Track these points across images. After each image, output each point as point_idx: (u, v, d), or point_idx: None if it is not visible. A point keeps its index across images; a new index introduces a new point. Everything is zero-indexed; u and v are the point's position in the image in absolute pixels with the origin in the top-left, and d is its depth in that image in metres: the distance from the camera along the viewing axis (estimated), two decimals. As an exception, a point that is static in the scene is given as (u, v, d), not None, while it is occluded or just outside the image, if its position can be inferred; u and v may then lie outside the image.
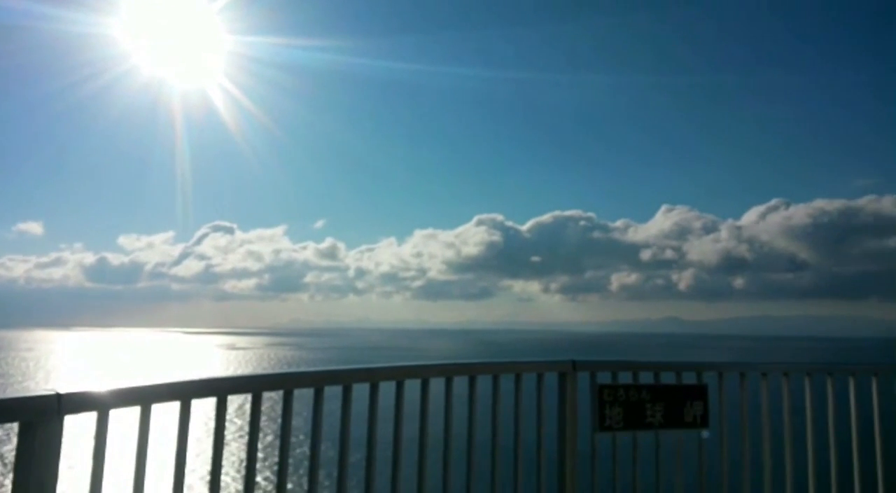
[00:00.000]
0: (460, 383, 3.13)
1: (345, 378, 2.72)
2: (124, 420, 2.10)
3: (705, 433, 3.45)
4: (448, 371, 3.08)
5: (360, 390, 2.81)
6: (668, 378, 3.56)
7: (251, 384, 2.44)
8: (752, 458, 3.59)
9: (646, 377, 3.51)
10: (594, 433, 3.31)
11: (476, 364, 3.19)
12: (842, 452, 3.67)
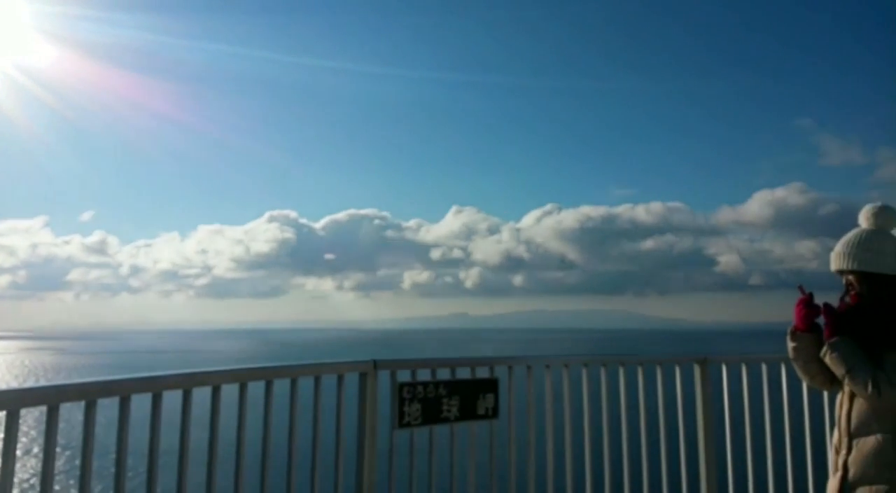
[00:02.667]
0: (256, 389, 2.96)
1: (122, 389, 2.43)
2: None
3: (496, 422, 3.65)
4: (242, 377, 2.88)
5: (142, 401, 2.53)
6: (463, 373, 3.68)
7: (7, 401, 2.05)
8: (537, 442, 3.85)
9: (443, 374, 3.60)
10: (393, 430, 3.32)
11: (273, 368, 3.03)
12: (614, 434, 4.08)
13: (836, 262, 2.83)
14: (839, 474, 2.72)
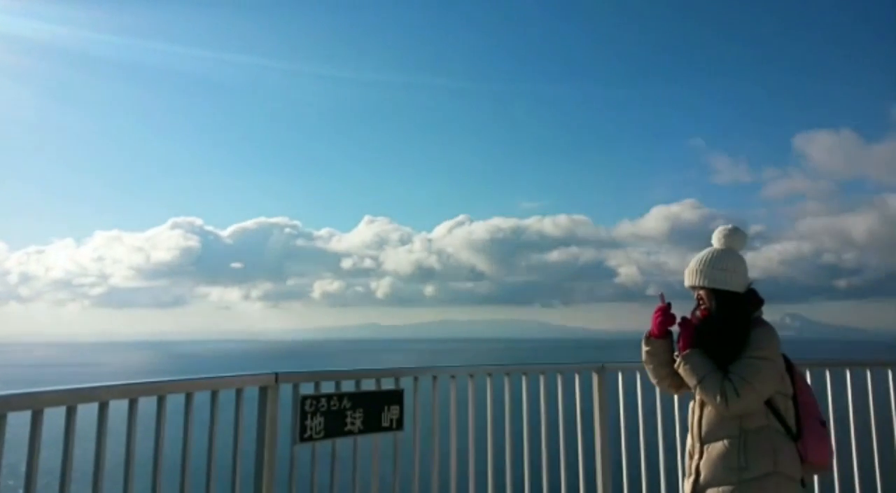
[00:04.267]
0: (148, 405, 2.83)
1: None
2: None
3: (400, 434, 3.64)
4: (132, 392, 2.74)
5: (21, 419, 2.37)
6: (368, 385, 3.66)
7: None
8: (441, 452, 3.87)
9: (348, 386, 3.56)
10: (294, 444, 3.25)
11: (166, 383, 2.90)
12: (516, 442, 4.16)
13: (689, 278, 3.07)
14: (692, 477, 2.95)
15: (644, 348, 3.14)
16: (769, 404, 2.87)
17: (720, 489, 2.81)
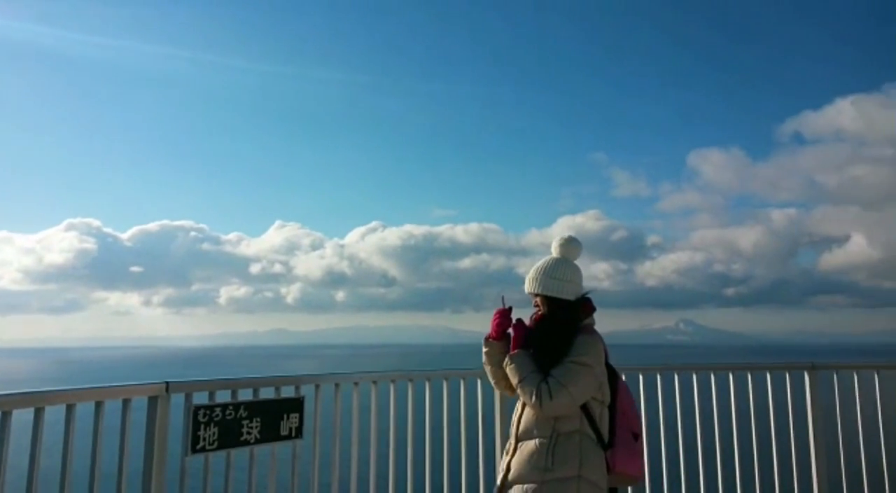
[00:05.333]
0: (25, 417, 2.64)
1: None
2: None
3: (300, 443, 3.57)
4: (6, 404, 2.56)
5: None
6: (267, 393, 3.57)
7: None
8: (342, 459, 3.83)
9: (245, 394, 3.46)
10: (185, 456, 3.12)
11: (44, 393, 2.70)
12: (417, 447, 4.17)
13: (527, 285, 3.23)
14: (503, 474, 3.07)
15: (483, 350, 3.25)
16: (585, 410, 2.99)
17: (525, 486, 2.91)
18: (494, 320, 3.21)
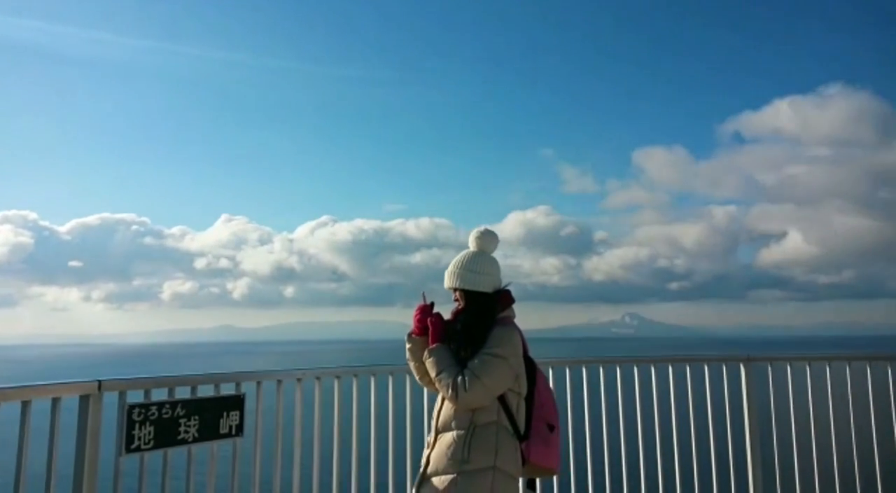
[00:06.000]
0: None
1: None
2: None
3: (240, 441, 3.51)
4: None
5: None
6: (206, 391, 3.48)
7: None
8: (284, 456, 3.77)
9: (183, 392, 3.37)
10: (119, 457, 3.02)
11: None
12: (362, 442, 4.14)
13: (446, 280, 3.25)
14: (423, 467, 3.10)
15: (406, 346, 3.25)
16: (502, 401, 3.03)
17: (442, 478, 2.94)
18: (416, 316, 3.21)
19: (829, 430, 4.81)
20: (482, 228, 3.31)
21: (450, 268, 3.23)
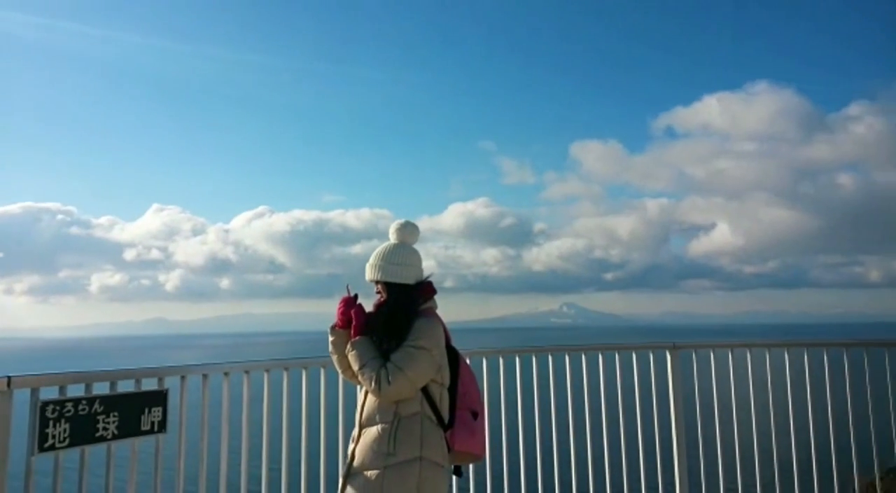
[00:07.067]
0: None
1: None
2: None
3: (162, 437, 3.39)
4: None
5: None
6: (127, 387, 3.35)
7: None
8: (210, 452, 3.67)
9: (101, 388, 3.23)
10: (31, 456, 2.87)
11: None
12: (293, 436, 4.07)
13: (367, 273, 3.23)
14: (348, 462, 3.08)
15: (329, 339, 3.22)
16: (425, 392, 3.05)
17: (368, 473, 2.93)
18: (339, 308, 3.16)
19: (750, 412, 5.01)
20: (403, 220, 3.30)
21: (371, 260, 3.20)
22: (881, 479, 5.21)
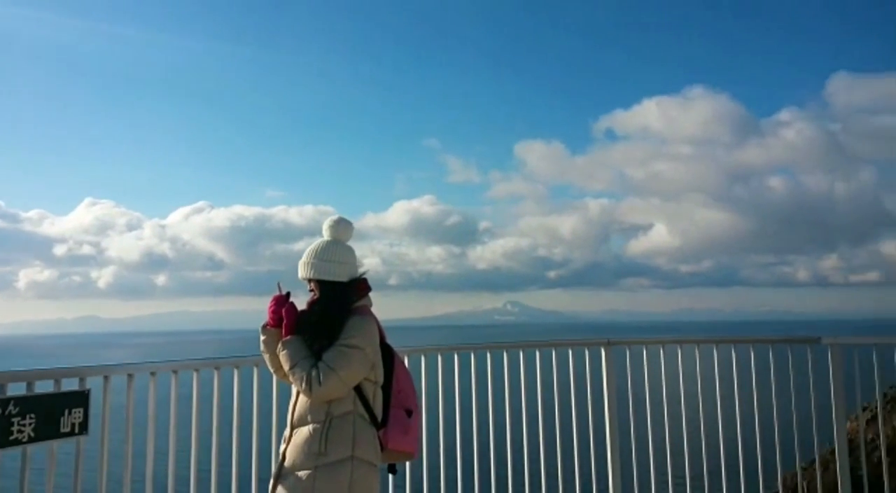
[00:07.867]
0: None
1: None
2: None
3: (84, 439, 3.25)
4: None
5: None
6: (45, 387, 3.20)
7: None
8: (135, 454, 3.54)
9: (17, 389, 3.07)
10: (-65, 462, 2.71)
11: None
12: (224, 437, 3.95)
13: (300, 270, 3.18)
14: (279, 463, 3.05)
15: (261, 339, 3.16)
16: (358, 391, 3.02)
17: (299, 473, 2.89)
18: (270, 307, 3.10)
19: (680, 407, 5.15)
20: (336, 216, 3.23)
21: (303, 258, 3.13)
22: (803, 469, 5.44)
